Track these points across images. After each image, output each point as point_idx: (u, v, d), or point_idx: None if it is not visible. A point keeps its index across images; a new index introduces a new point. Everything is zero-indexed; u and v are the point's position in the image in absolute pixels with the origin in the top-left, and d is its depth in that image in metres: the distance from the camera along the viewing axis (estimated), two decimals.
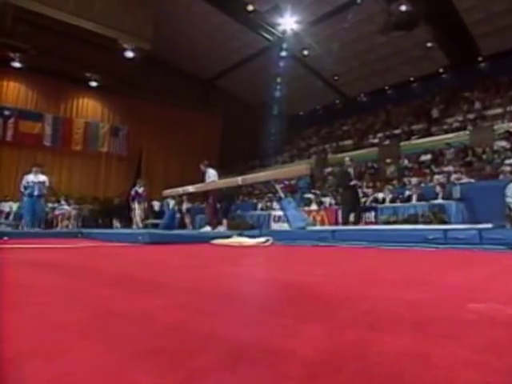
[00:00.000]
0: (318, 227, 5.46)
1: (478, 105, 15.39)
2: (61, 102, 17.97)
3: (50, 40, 15.31)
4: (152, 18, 15.71)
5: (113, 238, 4.90)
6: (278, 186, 6.04)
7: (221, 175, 21.15)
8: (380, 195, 9.62)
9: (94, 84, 17.88)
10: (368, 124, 20.12)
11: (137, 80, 18.83)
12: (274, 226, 10.18)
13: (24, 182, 8.49)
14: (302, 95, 22.93)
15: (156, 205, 15.28)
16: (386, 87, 21.54)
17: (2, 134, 16.36)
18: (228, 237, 4.55)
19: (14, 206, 14.36)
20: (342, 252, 3.18)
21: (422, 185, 10.02)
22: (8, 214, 13.49)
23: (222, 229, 8.65)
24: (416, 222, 7.51)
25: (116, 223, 15.34)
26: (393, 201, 9.06)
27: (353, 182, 6.65)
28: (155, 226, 9.45)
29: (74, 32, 14.79)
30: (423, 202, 8.17)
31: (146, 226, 11.65)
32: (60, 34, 15.06)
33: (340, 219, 9.08)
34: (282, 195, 5.90)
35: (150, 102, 19.56)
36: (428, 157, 13.67)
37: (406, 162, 14.36)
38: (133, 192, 12.31)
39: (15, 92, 17.11)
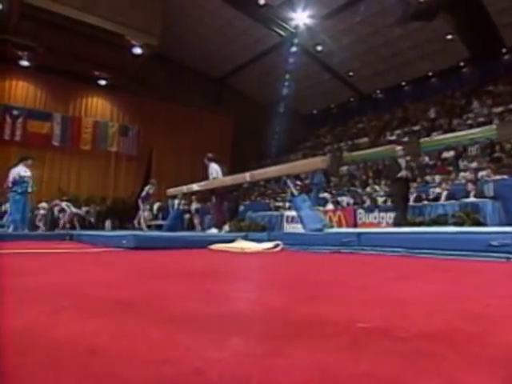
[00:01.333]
0: (339, 229, 4.57)
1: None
2: (69, 102, 17.48)
3: (57, 38, 14.80)
4: (160, 13, 15.10)
5: (98, 241, 4.19)
6: (290, 183, 5.25)
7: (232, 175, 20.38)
8: None
9: (103, 83, 17.36)
10: (385, 121, 19.15)
11: (146, 78, 18.27)
12: (288, 228, 9.37)
13: (16, 176, 7.60)
14: (315, 93, 22.05)
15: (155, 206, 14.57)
16: (403, 83, 20.50)
17: (10, 133, 15.95)
18: (231, 240, 3.79)
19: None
20: (376, 264, 2.35)
21: (449, 182, 9.08)
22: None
23: (226, 229, 7.88)
24: (446, 223, 6.62)
25: (108, 224, 14.66)
26: (417, 200, 8.17)
27: (401, 174, 5.78)
28: (159, 227, 8.76)
29: (82, 29, 14.25)
30: (453, 201, 7.27)
31: (149, 227, 10.99)
32: (67, 32, 14.52)
33: (358, 220, 8.23)
34: (295, 192, 5.11)
35: (160, 100, 18.95)
36: (451, 153, 12.69)
37: (426, 159, 13.39)
38: (144, 193, 11.52)
39: (24, 91, 16.69)
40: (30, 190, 7.62)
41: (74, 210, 12.91)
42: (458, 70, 18.20)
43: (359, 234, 2.96)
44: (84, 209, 14.48)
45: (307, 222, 4.69)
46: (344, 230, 4.50)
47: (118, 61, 15.89)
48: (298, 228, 9.03)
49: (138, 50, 14.68)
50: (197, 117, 20.14)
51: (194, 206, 12.48)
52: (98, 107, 18.18)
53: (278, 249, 3.30)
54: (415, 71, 19.29)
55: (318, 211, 5.25)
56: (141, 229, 9.92)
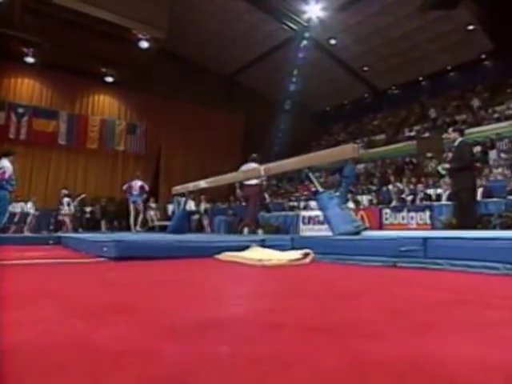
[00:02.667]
0: (388, 233, 3.57)
1: None
2: (76, 99, 16.81)
3: (62, 33, 14.10)
4: (167, 6, 14.32)
5: (81, 247, 3.37)
6: (313, 176, 4.37)
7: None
8: (431, 191, 7.76)
9: (109, 79, 16.64)
10: (401, 117, 18.12)
11: (154, 75, 17.53)
12: (304, 229, 8.46)
13: (11, 173, 6.64)
14: (328, 89, 21.11)
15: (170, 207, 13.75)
16: (420, 78, 19.44)
17: (15, 132, 15.31)
18: (245, 247, 2.91)
19: (25, 207, 13.26)
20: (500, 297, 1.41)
21: (483, 179, 8.08)
22: (14, 215, 12.19)
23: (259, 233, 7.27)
24: (488, 225, 5.66)
25: (104, 225, 13.91)
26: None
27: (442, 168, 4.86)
28: (163, 228, 7.89)
29: (87, 23, 13.55)
30: (496, 199, 6.31)
31: (152, 229, 10.18)
32: (73, 26, 13.82)
33: (384, 221, 7.28)
34: (320, 188, 4.22)
35: (169, 98, 18.17)
36: (478, 149, 11.65)
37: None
38: (146, 188, 10.12)
39: (29, 89, 16.05)
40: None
41: (68, 208, 12.08)
42: (479, 63, 17.08)
43: (425, 239, 2.06)
44: (89, 209, 13.82)
45: (336, 224, 3.79)
46: (400, 233, 3.48)
47: (124, 56, 15.15)
48: (315, 229, 8.14)
49: (144, 44, 13.93)
50: (206, 115, 19.32)
51: (203, 206, 11.66)
52: (104, 105, 17.48)
53: (307, 260, 2.41)
54: (433, 65, 18.23)
55: (349, 210, 4.36)
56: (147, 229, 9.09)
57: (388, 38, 17.23)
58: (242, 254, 2.56)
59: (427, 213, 6.65)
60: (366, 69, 19.63)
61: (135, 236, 3.26)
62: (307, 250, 2.48)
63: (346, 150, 4.00)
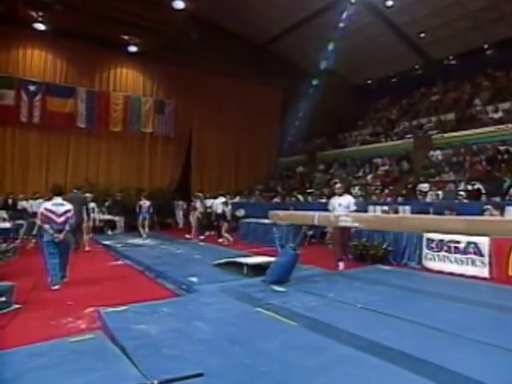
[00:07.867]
0: None
1: None
2: (95, 73, 14.00)
3: None
4: None
5: None
6: None
7: (285, 156, 16.75)
8: None
9: (133, 49, 13.78)
10: (467, 92, 15.24)
11: (183, 44, 14.65)
12: (429, 257, 6.00)
13: None
14: (373, 60, 18.13)
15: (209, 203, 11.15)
16: (486, 46, 16.37)
17: (27, 114, 12.69)
18: None
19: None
20: None
21: None
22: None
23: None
24: None
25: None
26: None
27: None
28: (259, 270, 4.97)
29: None
30: None
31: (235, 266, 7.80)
32: None
33: None
34: None
35: (199, 70, 15.32)
36: None
37: None
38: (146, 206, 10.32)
39: (41, 62, 13.26)
40: None
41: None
42: None
43: None
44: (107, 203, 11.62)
45: None
46: None
47: (152, 20, 12.26)
48: (450, 261, 5.73)
49: (180, 4, 11.03)
50: (241, 89, 16.55)
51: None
52: (128, 79, 14.66)
53: None
54: (507, 29, 15.14)
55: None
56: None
57: None
58: None
59: None
60: (422, 35, 16.55)
61: None
62: None
63: None
